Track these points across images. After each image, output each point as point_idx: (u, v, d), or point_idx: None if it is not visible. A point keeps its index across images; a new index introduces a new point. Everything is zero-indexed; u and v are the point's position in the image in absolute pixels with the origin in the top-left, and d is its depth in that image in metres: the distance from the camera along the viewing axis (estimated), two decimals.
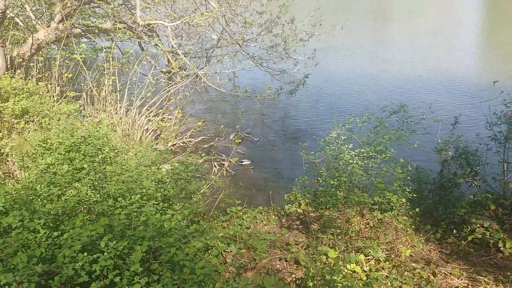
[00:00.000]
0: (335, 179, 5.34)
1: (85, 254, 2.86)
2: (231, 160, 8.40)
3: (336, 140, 6.25)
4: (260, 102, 11.63)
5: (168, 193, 4.56)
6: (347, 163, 5.62)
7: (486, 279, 4.42)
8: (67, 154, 4.58)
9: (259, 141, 9.78)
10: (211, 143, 9.40)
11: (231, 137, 9.75)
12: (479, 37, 24.28)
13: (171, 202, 4.54)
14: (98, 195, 3.74)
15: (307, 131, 10.34)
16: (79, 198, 3.56)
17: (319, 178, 5.98)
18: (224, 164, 8.31)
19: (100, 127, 5.66)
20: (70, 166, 4.25)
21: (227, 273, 4.19)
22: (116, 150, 5.10)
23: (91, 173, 3.98)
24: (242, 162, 8.62)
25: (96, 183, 3.94)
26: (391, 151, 5.80)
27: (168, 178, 4.71)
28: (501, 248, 4.93)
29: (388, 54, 19.27)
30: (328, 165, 6.01)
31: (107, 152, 4.77)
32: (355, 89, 13.74)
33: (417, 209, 5.17)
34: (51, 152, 4.62)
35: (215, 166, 8.10)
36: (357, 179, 5.48)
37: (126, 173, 4.08)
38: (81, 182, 3.81)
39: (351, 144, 6.02)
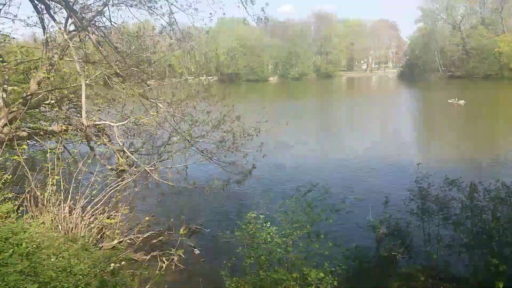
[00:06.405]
0: (251, 257, 5.43)
1: None
2: (181, 254, 8.19)
3: (256, 220, 6.41)
4: (212, 193, 11.70)
5: None
6: (266, 241, 5.75)
7: None
8: None
9: (210, 232, 9.66)
10: (160, 237, 9.17)
11: (181, 230, 9.56)
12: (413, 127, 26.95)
13: None
14: None
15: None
16: None
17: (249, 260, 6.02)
18: (173, 258, 8.07)
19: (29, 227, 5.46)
20: None
21: None
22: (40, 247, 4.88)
23: None
24: (194, 251, 8.50)
25: None
26: (307, 227, 6.01)
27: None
28: None
29: (329, 145, 20.97)
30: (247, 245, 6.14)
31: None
32: (300, 177, 14.31)
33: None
34: None
35: (163, 262, 7.82)
36: (277, 256, 5.56)
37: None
38: None
39: (269, 223, 6.22)
